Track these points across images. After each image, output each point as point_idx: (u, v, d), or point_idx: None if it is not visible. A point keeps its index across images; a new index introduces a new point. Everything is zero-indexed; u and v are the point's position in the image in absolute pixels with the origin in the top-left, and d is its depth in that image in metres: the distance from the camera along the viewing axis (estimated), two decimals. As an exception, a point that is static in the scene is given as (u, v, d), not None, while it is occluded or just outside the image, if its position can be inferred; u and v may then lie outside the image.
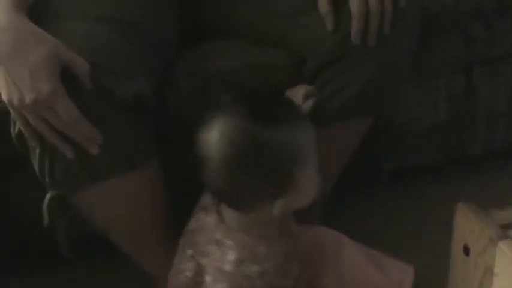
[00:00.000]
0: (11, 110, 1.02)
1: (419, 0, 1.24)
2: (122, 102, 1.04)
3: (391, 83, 1.21)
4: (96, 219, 1.17)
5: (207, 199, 1.10)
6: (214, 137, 0.98)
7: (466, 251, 0.95)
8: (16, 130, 1.06)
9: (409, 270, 1.22)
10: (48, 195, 1.10)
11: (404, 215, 1.50)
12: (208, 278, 1.05)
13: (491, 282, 0.91)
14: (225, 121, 0.98)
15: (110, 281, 1.38)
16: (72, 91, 1.00)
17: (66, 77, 0.99)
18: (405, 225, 1.48)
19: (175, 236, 1.22)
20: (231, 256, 1.04)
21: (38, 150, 1.05)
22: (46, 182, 1.08)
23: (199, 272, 1.07)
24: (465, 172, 1.57)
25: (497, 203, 0.99)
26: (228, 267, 1.03)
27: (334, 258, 1.17)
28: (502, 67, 1.50)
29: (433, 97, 1.49)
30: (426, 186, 1.55)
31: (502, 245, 0.89)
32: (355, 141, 1.28)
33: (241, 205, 1.03)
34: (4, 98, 1.00)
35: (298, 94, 1.11)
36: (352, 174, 1.35)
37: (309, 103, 1.10)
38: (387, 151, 1.52)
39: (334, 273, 1.16)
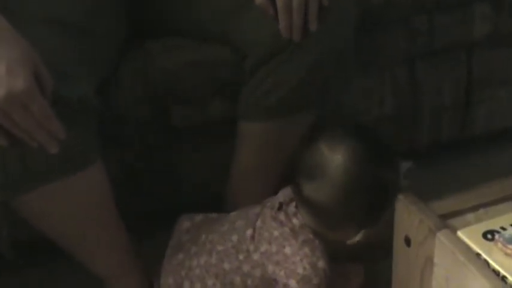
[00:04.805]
0: None
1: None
2: (65, 103, 1.02)
3: (331, 77, 1.21)
4: (41, 224, 1.15)
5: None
6: (338, 170, 1.08)
7: (408, 242, 0.96)
8: None
9: (359, 269, 1.25)
10: None
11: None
12: (300, 272, 1.11)
13: (432, 272, 0.92)
14: (348, 155, 1.08)
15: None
16: None
17: None
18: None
19: (125, 235, 1.21)
20: (320, 251, 1.12)
21: None
22: None
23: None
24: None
25: (441, 194, 1.00)
26: (321, 264, 1.11)
27: None
28: (445, 59, 1.52)
29: (378, 90, 1.49)
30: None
31: (441, 235, 0.89)
32: (297, 138, 1.28)
33: (332, 224, 1.12)
34: None
35: None
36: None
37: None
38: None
39: None
